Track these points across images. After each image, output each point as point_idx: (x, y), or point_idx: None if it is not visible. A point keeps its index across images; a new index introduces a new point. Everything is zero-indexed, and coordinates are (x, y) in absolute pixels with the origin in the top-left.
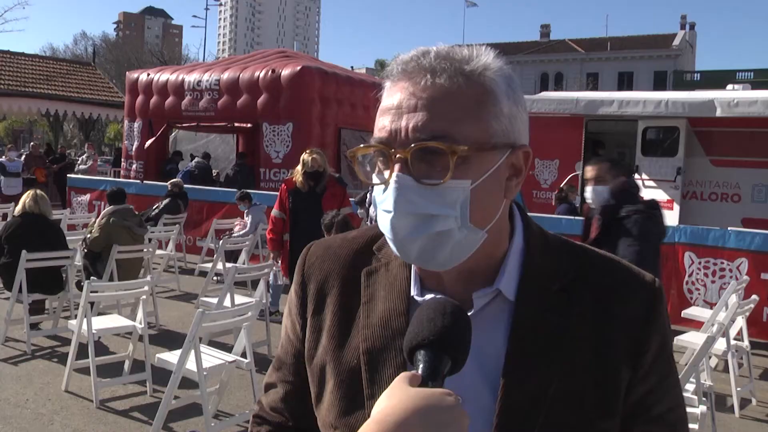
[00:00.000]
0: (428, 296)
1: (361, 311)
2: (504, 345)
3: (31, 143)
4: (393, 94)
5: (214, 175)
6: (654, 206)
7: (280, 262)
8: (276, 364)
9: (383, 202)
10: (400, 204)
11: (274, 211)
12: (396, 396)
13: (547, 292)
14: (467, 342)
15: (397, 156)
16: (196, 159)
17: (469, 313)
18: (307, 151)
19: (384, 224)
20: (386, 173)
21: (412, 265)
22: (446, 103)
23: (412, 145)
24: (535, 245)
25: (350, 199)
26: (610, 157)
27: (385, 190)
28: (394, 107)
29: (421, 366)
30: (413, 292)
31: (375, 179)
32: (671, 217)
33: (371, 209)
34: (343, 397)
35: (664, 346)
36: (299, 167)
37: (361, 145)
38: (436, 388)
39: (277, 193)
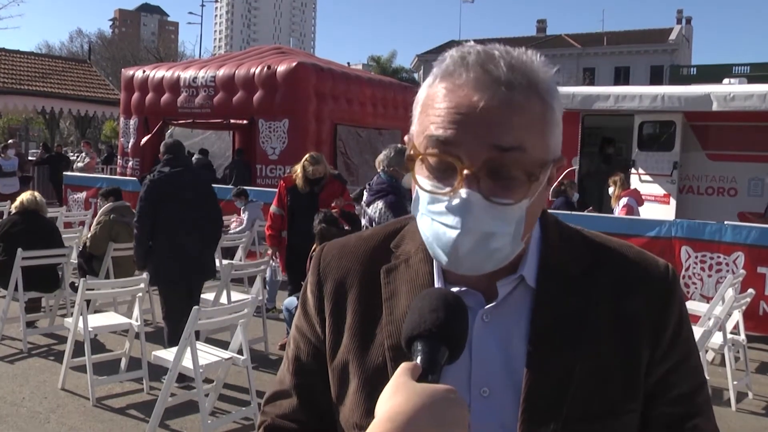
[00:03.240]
0: (454, 289)
1: (383, 308)
2: (527, 331)
3: (10, 140)
4: (460, 100)
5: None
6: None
7: (278, 258)
8: (291, 368)
9: (444, 216)
10: (468, 222)
11: (273, 208)
12: (402, 392)
13: (565, 277)
14: (465, 334)
15: (467, 172)
16: (195, 156)
17: (494, 303)
18: (308, 159)
19: (440, 237)
20: (446, 183)
21: (434, 261)
22: (522, 118)
23: (490, 160)
24: (551, 234)
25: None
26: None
27: (448, 203)
28: (460, 113)
29: (419, 357)
30: (437, 284)
31: (428, 185)
32: (668, 212)
33: (371, 208)
34: (368, 396)
35: (681, 327)
36: (299, 170)
37: (428, 151)
38: (434, 380)
39: (274, 189)
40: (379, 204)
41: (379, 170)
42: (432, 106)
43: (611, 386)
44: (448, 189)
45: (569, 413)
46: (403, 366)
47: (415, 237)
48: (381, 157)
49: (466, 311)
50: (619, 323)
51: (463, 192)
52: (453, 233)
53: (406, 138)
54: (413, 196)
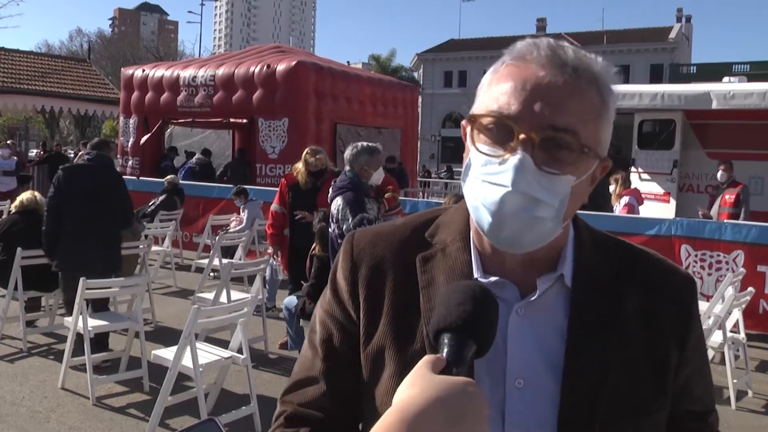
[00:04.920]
0: (492, 279)
1: (420, 296)
2: (562, 328)
3: (9, 141)
4: (526, 74)
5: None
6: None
7: (279, 256)
8: (321, 353)
9: (496, 175)
10: (518, 182)
11: (274, 206)
12: (418, 384)
13: (600, 280)
14: (494, 328)
15: (524, 136)
16: (196, 156)
17: (532, 298)
18: (309, 151)
19: (488, 196)
20: (502, 147)
21: (472, 250)
22: (581, 103)
23: (547, 131)
24: (584, 237)
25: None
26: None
27: (501, 163)
28: (527, 89)
29: (446, 350)
30: (476, 274)
31: (485, 149)
32: (668, 210)
33: (333, 204)
34: None
35: (701, 332)
36: (301, 166)
37: (486, 112)
38: (459, 373)
39: (273, 188)
40: (338, 200)
41: (346, 167)
42: (497, 84)
43: (642, 386)
44: (503, 152)
45: (607, 410)
46: (426, 358)
47: (451, 227)
48: (346, 155)
49: (496, 305)
50: (648, 326)
51: (518, 153)
52: (502, 190)
53: (463, 122)
54: (464, 164)
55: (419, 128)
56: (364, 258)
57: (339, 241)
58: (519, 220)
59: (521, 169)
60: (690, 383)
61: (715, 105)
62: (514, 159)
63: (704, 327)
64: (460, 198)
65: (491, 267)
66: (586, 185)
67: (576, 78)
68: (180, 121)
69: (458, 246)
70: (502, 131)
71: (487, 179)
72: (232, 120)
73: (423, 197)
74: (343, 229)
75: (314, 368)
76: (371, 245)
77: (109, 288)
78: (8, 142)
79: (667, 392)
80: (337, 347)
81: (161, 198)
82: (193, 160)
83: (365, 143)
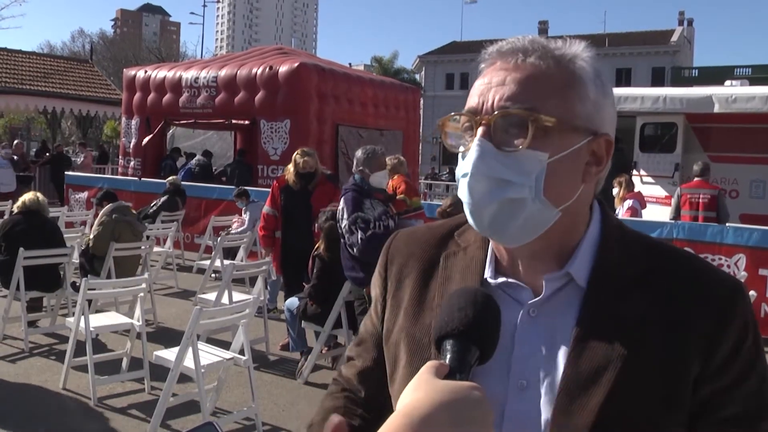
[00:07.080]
0: (501, 279)
1: (436, 292)
2: (572, 330)
3: (15, 141)
4: (486, 75)
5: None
6: None
7: (271, 258)
8: (357, 339)
9: (463, 167)
10: (478, 166)
11: (266, 208)
12: (423, 388)
13: (619, 281)
14: (497, 333)
15: (481, 122)
16: (196, 157)
17: (539, 298)
18: (299, 152)
19: (462, 188)
20: (470, 140)
21: (489, 248)
22: (534, 80)
23: (496, 112)
24: (611, 236)
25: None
26: None
27: (464, 156)
28: (484, 84)
29: (449, 356)
30: (487, 273)
31: (461, 149)
32: (669, 213)
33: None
34: (413, 373)
35: (741, 348)
36: (291, 167)
37: (450, 114)
38: (463, 379)
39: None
40: (342, 201)
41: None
42: (471, 89)
43: (651, 396)
44: (468, 144)
45: (604, 415)
46: (429, 364)
47: None
48: (355, 158)
49: (498, 310)
50: (667, 334)
51: (475, 140)
52: (467, 179)
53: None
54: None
55: (421, 130)
56: (396, 256)
57: (343, 239)
58: (494, 206)
59: (480, 153)
60: (715, 402)
61: (717, 108)
62: (473, 146)
63: None
64: (458, 199)
65: (506, 268)
66: (574, 162)
67: (527, 58)
68: (182, 122)
69: (478, 245)
70: (467, 126)
71: (460, 173)
72: (234, 121)
73: (426, 199)
74: (341, 226)
75: (353, 349)
76: (404, 244)
77: (112, 289)
78: (14, 142)
79: (680, 406)
80: (366, 338)
81: (163, 199)
82: (193, 161)
83: (367, 146)
